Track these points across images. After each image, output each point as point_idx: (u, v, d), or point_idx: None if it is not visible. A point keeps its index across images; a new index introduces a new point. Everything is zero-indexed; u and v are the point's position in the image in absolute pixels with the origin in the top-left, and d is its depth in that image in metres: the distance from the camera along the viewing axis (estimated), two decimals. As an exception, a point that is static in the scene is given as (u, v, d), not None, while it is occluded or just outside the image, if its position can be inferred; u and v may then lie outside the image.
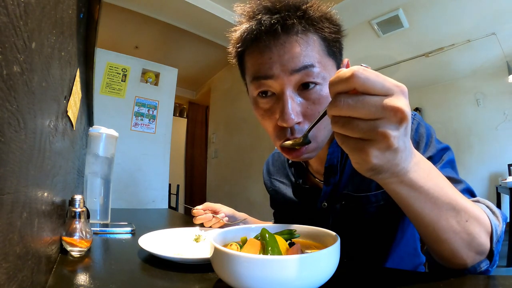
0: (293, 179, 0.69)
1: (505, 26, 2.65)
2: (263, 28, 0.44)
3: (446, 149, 0.52)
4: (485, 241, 0.39)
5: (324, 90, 0.46)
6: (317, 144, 0.49)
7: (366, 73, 0.26)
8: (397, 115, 0.27)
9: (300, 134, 0.46)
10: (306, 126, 0.46)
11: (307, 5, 0.46)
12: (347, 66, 0.54)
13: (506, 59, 3.09)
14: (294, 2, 0.45)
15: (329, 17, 0.48)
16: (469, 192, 0.48)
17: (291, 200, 0.68)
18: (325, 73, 0.46)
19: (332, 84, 0.28)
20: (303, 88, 0.46)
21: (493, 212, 0.43)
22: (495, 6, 2.38)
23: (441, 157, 0.50)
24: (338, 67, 0.51)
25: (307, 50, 0.45)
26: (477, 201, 0.46)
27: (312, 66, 0.44)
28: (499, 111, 3.51)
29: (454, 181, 0.47)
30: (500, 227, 0.41)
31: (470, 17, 2.54)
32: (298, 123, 0.46)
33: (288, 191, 0.70)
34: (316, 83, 0.45)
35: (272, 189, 0.75)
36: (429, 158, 0.49)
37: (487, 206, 0.44)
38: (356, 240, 0.58)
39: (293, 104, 0.45)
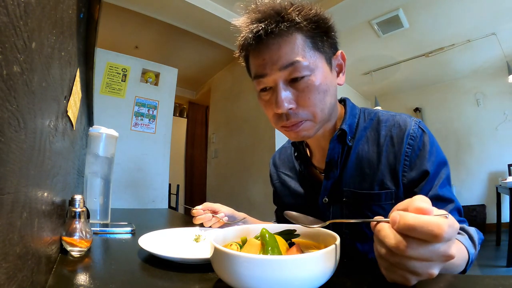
0: (298, 168, 0.71)
1: (505, 26, 2.65)
2: (251, 35, 0.51)
3: (444, 163, 0.56)
4: (462, 270, 0.47)
5: (312, 79, 0.52)
6: (315, 123, 0.55)
7: (450, 230, 0.28)
8: (447, 259, 0.29)
9: (295, 118, 0.53)
10: (300, 111, 0.53)
11: (286, 10, 0.52)
12: (343, 57, 0.59)
13: (506, 59, 3.08)
14: (275, 10, 0.51)
15: (307, 18, 0.52)
16: (458, 211, 0.54)
17: (295, 193, 0.70)
18: (311, 65, 0.52)
19: (415, 230, 0.28)
20: (293, 80, 0.52)
21: (473, 242, 0.50)
22: (495, 6, 2.38)
23: (439, 172, 0.55)
24: (329, 58, 0.56)
25: (292, 48, 0.51)
26: (463, 229, 0.52)
27: (297, 62, 0.51)
28: (499, 111, 3.51)
29: (448, 201, 0.53)
30: (475, 253, 0.49)
31: (470, 17, 2.54)
32: (291, 108, 0.52)
33: (293, 183, 0.72)
34: (303, 76, 0.51)
35: (278, 181, 0.77)
36: (427, 172, 0.54)
37: (469, 236, 0.51)
38: (357, 239, 0.58)
39: (285, 94, 0.52)
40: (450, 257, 0.29)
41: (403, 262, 0.30)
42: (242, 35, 0.54)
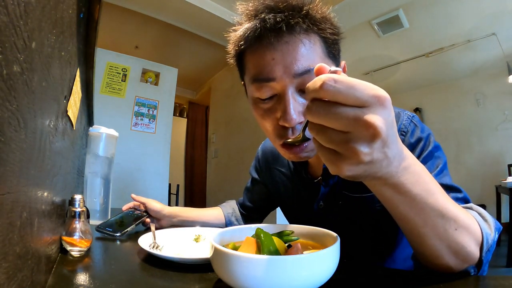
0: (291, 166, 0.68)
1: (505, 26, 2.65)
2: (268, 25, 0.43)
3: (440, 155, 0.51)
4: (474, 250, 0.38)
5: None
6: None
7: (336, 84, 0.25)
8: (369, 131, 0.25)
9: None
10: None
11: (310, 6, 0.46)
12: (344, 69, 0.53)
13: (506, 59, 3.08)
14: (297, 2, 0.45)
15: (329, 19, 0.48)
16: (465, 202, 0.47)
17: (289, 193, 0.68)
18: None
19: (307, 90, 0.27)
20: (303, 90, 0.45)
21: (486, 220, 0.41)
22: (495, 6, 2.38)
23: (436, 164, 0.50)
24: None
25: (310, 51, 0.44)
26: (470, 208, 0.44)
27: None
28: (499, 111, 3.50)
29: (455, 190, 0.47)
30: (491, 236, 0.39)
31: (470, 17, 2.54)
32: (300, 122, 0.45)
33: (286, 182, 0.70)
34: None
35: (270, 179, 0.75)
36: (424, 163, 0.48)
37: (480, 214, 0.42)
38: (356, 240, 0.58)
39: (295, 104, 0.44)
40: (371, 126, 0.25)
41: (320, 132, 0.27)
42: (247, 24, 0.46)
